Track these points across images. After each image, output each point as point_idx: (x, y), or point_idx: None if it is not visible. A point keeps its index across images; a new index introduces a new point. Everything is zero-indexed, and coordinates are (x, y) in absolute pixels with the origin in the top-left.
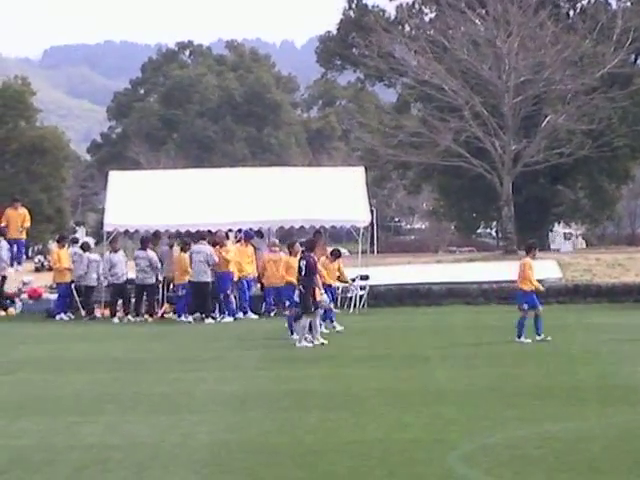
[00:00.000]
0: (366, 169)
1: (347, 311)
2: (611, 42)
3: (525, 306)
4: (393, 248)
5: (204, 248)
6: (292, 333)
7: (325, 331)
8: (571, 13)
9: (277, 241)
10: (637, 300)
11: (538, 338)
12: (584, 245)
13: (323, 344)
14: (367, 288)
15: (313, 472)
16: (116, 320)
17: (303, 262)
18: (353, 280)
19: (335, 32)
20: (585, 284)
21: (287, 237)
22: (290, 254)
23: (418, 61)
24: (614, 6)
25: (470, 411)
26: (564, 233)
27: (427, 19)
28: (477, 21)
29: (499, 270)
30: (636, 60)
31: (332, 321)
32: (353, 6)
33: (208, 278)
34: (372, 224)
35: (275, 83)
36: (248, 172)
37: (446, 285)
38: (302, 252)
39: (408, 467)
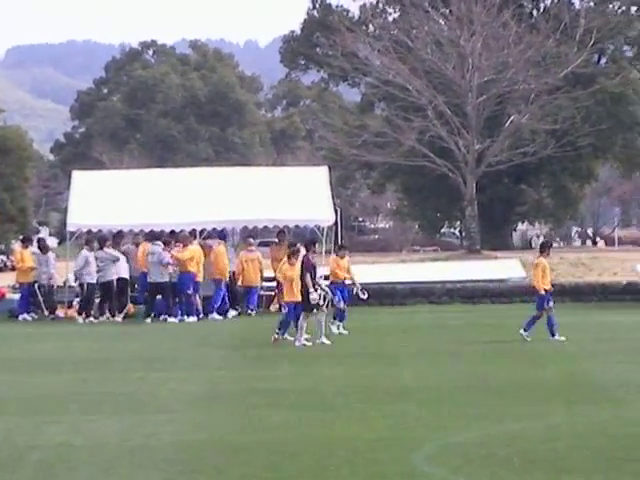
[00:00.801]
0: (330, 169)
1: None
2: (574, 42)
3: (551, 304)
4: (357, 248)
5: (157, 249)
6: (284, 333)
7: (345, 332)
8: (534, 13)
9: (252, 240)
10: (600, 299)
11: (524, 333)
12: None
13: (305, 345)
14: None
15: (278, 471)
16: (80, 320)
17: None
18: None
19: (299, 32)
20: None
21: (250, 237)
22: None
23: (382, 61)
24: (577, 6)
25: (436, 410)
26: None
27: (391, 19)
28: (441, 21)
29: (463, 269)
30: (599, 60)
31: (341, 320)
32: (317, 6)
33: (164, 278)
34: (336, 224)
35: (239, 83)
36: (212, 172)
37: (410, 284)
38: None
39: (373, 466)
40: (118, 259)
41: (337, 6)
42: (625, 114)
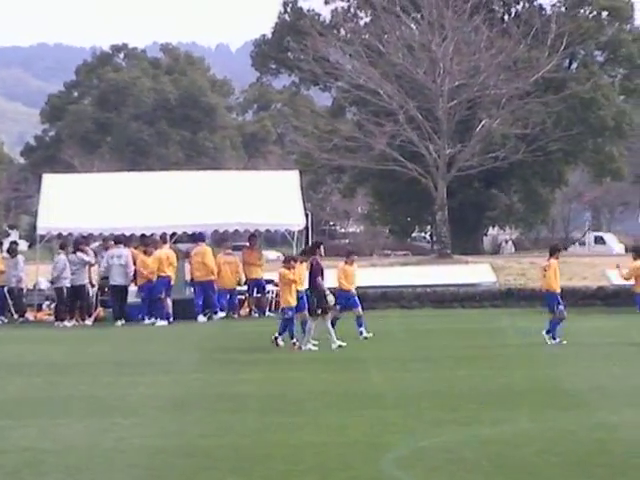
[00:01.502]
0: (301, 173)
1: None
2: (545, 47)
3: (561, 307)
4: (328, 252)
5: (122, 252)
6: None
7: (369, 335)
8: (506, 18)
9: (229, 243)
10: (570, 304)
11: (554, 342)
12: (513, 250)
13: (311, 349)
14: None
15: (248, 476)
16: (65, 323)
17: (307, 265)
18: None
19: (270, 36)
20: (519, 288)
21: (221, 241)
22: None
23: (353, 65)
24: (548, 11)
25: (407, 414)
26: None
27: (362, 23)
28: (412, 25)
29: (434, 274)
30: (570, 65)
31: (359, 326)
32: (288, 10)
33: (126, 282)
34: (307, 228)
35: (210, 87)
36: (183, 176)
37: (381, 289)
38: (304, 256)
39: (342, 471)
40: (91, 263)
41: (308, 10)
42: (595, 119)
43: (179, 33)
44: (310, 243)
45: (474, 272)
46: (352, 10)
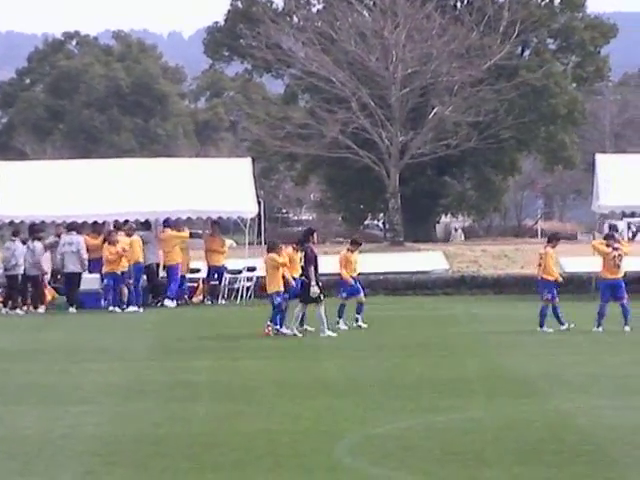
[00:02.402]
0: (253, 160)
1: (234, 302)
2: (497, 34)
3: (549, 296)
4: (281, 239)
5: (75, 239)
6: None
7: (364, 325)
8: (458, 5)
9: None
10: (523, 292)
11: (562, 328)
12: (462, 238)
13: (295, 335)
14: (254, 279)
15: (200, 463)
16: (6, 311)
17: (301, 253)
18: (240, 272)
19: (223, 23)
20: (471, 275)
21: (174, 228)
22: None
23: (306, 52)
24: None
25: (358, 402)
26: None
27: (315, 10)
28: (364, 12)
29: (386, 261)
30: (522, 52)
31: (339, 316)
32: None
33: (79, 268)
34: (259, 215)
35: (162, 74)
36: (135, 163)
37: (333, 277)
38: (300, 243)
39: (295, 458)
40: (45, 250)
41: None
42: (548, 107)
43: (131, 20)
44: (304, 232)
45: (427, 260)
46: None
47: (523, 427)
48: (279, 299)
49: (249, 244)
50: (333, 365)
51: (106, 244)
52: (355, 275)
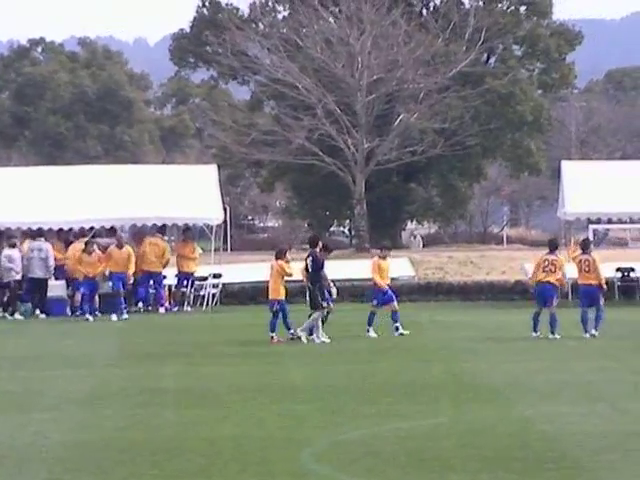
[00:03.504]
0: (219, 167)
1: (200, 309)
2: (463, 41)
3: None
4: (247, 246)
5: (43, 245)
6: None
7: (405, 332)
8: (424, 12)
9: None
10: (488, 298)
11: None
12: (421, 245)
13: (299, 338)
14: (220, 286)
15: (166, 469)
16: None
17: (309, 258)
18: (206, 279)
19: (189, 30)
20: (437, 282)
21: (139, 235)
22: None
23: (271, 59)
24: (466, 5)
25: (324, 408)
26: None
27: (280, 17)
28: (330, 19)
29: (352, 268)
30: (488, 59)
31: (369, 324)
32: (206, 4)
33: (46, 275)
34: (225, 222)
35: (128, 81)
36: (101, 170)
37: (299, 283)
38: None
39: (261, 464)
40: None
41: (227, 4)
42: (514, 114)
43: (97, 27)
44: (311, 238)
45: (392, 266)
46: (270, 4)
47: (489, 433)
48: (278, 306)
49: (215, 251)
50: (299, 371)
51: (84, 253)
52: (388, 282)
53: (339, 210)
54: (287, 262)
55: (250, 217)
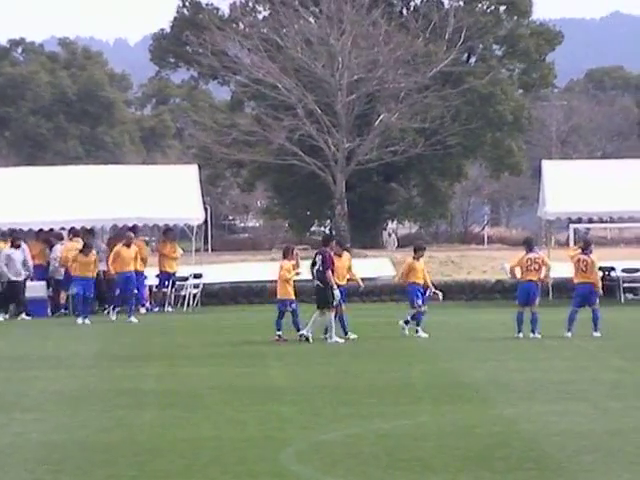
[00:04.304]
0: (200, 167)
1: (180, 309)
2: (443, 41)
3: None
4: (228, 246)
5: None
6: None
7: (425, 335)
8: (404, 12)
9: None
10: (469, 298)
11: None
12: (396, 244)
13: (306, 339)
14: (201, 286)
15: (146, 471)
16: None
17: (319, 257)
18: (186, 279)
19: (169, 30)
20: None
21: (119, 235)
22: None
23: (252, 59)
24: (446, 5)
25: (305, 409)
26: None
27: (261, 17)
28: (310, 19)
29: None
30: (468, 59)
31: (417, 324)
32: (187, 4)
33: (20, 277)
34: (206, 222)
35: (109, 81)
36: (82, 170)
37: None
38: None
39: (241, 465)
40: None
41: (207, 4)
42: (494, 113)
43: (77, 27)
44: (323, 237)
45: (373, 266)
46: (250, 4)
47: (469, 433)
48: (284, 307)
49: (195, 251)
50: (280, 372)
51: (78, 252)
52: (419, 283)
53: (320, 210)
54: (296, 261)
55: (231, 217)
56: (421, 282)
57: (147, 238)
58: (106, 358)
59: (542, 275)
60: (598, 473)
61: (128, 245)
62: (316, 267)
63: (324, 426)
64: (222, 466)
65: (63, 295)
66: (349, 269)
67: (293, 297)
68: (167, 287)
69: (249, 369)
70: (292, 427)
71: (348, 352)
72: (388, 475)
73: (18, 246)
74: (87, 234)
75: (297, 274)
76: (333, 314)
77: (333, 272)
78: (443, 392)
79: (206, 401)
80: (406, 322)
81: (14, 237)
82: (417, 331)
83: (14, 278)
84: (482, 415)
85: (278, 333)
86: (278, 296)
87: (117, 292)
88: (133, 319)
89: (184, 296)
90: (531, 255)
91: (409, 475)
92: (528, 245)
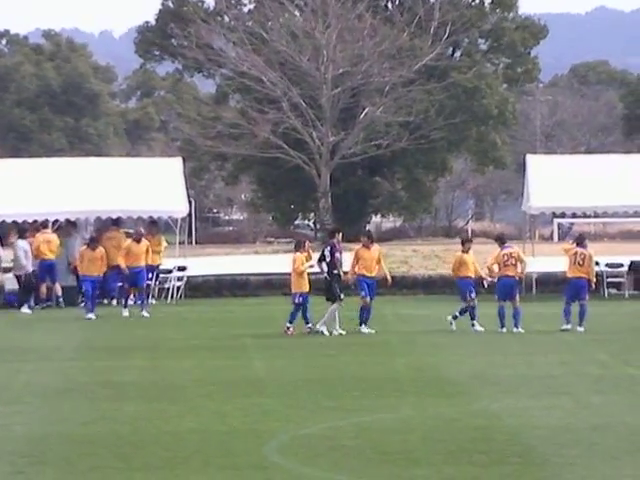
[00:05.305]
0: (184, 160)
1: (164, 302)
2: (428, 35)
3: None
4: (212, 239)
5: None
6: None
7: (481, 328)
8: (389, 5)
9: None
10: (453, 292)
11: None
12: None
13: (316, 332)
14: (184, 279)
15: (129, 462)
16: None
17: (327, 249)
18: (170, 271)
19: (154, 22)
20: (401, 275)
21: (103, 228)
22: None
23: (237, 52)
24: None
25: (288, 402)
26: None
27: (246, 10)
28: (296, 12)
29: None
30: (453, 53)
31: (472, 318)
32: None
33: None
34: (190, 215)
35: (93, 73)
36: (66, 162)
37: (264, 276)
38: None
39: (224, 457)
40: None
41: None
42: (479, 108)
43: (62, 19)
44: (330, 229)
45: None
46: None
47: (452, 427)
48: (300, 299)
49: (180, 243)
50: (262, 364)
51: (84, 247)
52: (473, 276)
53: (304, 203)
54: (308, 254)
55: (215, 210)
56: (472, 275)
57: (131, 230)
58: (90, 350)
59: (519, 270)
60: (581, 467)
61: (138, 240)
62: (326, 261)
63: (307, 419)
64: (205, 458)
65: (44, 288)
66: (378, 261)
67: (307, 289)
68: (150, 280)
69: (233, 362)
70: (275, 420)
71: (332, 346)
72: (371, 468)
73: (26, 237)
74: (69, 226)
75: (310, 266)
76: (336, 305)
77: (335, 264)
78: (426, 386)
79: (189, 394)
80: (454, 317)
81: (20, 229)
82: (473, 325)
83: (31, 270)
84: (465, 409)
85: (289, 325)
86: (293, 289)
87: (125, 286)
88: (145, 313)
89: (168, 289)
90: (506, 250)
91: (392, 468)
92: (501, 241)
